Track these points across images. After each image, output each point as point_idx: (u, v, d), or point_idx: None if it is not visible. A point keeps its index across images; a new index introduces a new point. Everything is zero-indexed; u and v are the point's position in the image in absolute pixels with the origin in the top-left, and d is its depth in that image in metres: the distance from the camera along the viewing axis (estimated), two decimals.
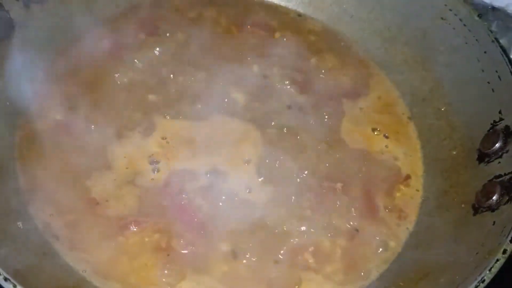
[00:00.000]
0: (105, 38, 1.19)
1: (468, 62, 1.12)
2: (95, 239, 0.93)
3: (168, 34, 1.22)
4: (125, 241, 0.94)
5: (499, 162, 0.97)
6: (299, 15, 1.36)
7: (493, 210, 0.91)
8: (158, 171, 1.01)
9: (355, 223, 1.02)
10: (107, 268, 0.91)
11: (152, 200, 0.98)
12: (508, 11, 1.45)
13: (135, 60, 1.16)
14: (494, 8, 1.45)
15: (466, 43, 1.13)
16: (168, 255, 0.94)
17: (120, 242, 0.94)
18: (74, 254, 0.92)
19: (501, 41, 1.32)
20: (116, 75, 1.13)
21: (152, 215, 0.97)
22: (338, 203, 1.04)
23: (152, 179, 1.00)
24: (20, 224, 0.90)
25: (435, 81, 1.19)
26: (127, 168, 1.01)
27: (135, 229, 0.95)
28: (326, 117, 1.14)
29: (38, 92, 1.09)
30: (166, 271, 0.92)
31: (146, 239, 0.95)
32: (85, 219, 0.95)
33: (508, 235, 0.81)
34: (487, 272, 0.78)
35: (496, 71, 1.05)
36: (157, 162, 1.02)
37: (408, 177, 1.11)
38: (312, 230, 1.00)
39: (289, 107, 1.16)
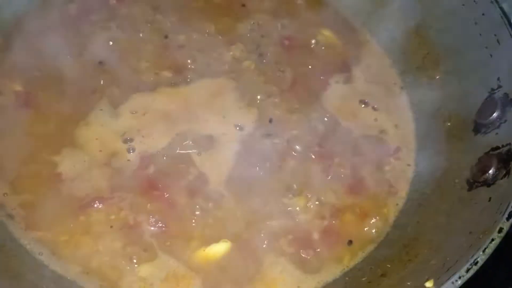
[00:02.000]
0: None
1: (465, 26, 1.02)
2: (54, 218, 0.86)
3: None
4: (88, 220, 0.87)
5: (497, 133, 0.89)
6: None
7: (488, 185, 0.83)
8: (133, 150, 0.93)
9: (341, 199, 0.95)
10: (66, 250, 0.84)
11: (123, 179, 0.90)
12: None
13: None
14: None
15: (463, 4, 1.03)
16: (136, 233, 0.86)
17: (82, 221, 0.86)
18: (30, 235, 0.84)
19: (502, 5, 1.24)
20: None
21: (119, 191, 0.89)
22: (323, 177, 0.96)
23: (128, 160, 0.92)
24: None
25: (430, 48, 1.10)
26: (100, 151, 0.92)
27: (99, 206, 0.88)
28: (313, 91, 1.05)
29: None
30: (133, 251, 0.84)
31: (112, 217, 0.87)
32: (45, 197, 0.88)
33: (505, 212, 0.74)
34: (481, 253, 0.70)
35: (495, 35, 0.96)
36: (132, 141, 0.94)
37: (398, 149, 1.03)
38: (297, 208, 0.93)
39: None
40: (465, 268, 0.68)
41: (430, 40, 1.10)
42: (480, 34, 0.99)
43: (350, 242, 0.91)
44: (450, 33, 1.06)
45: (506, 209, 0.74)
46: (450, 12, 1.06)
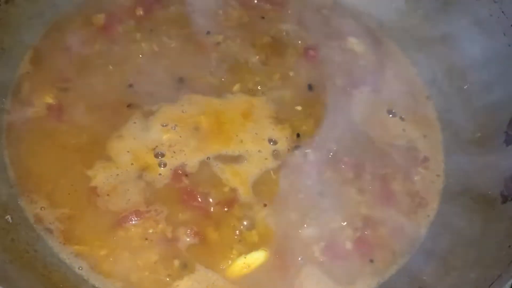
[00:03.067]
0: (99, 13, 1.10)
1: (493, 36, 1.03)
2: (93, 233, 0.87)
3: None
4: (126, 234, 0.87)
5: None
6: None
7: None
8: (165, 165, 0.93)
9: (373, 210, 0.95)
10: (106, 264, 0.84)
11: (157, 192, 0.91)
12: None
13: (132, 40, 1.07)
14: None
15: (491, 15, 1.04)
16: (174, 246, 0.86)
17: (121, 236, 0.87)
18: (69, 249, 0.85)
19: None
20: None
21: (154, 205, 0.90)
22: (354, 188, 0.97)
23: (160, 174, 0.93)
24: (9, 217, 0.83)
25: (456, 58, 1.10)
26: (132, 164, 0.93)
27: (137, 221, 0.88)
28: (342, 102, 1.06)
29: (27, 71, 1.01)
30: (172, 265, 0.85)
31: (150, 231, 0.87)
32: (82, 212, 0.88)
33: None
34: None
35: None
36: (163, 155, 0.94)
37: (426, 159, 1.04)
38: (326, 217, 0.93)
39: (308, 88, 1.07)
40: (509, 283, 0.69)
41: (457, 50, 1.10)
42: (509, 45, 1.00)
43: (383, 253, 0.92)
44: (477, 44, 1.06)
45: None
46: (478, 22, 1.06)
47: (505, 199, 0.88)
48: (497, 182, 0.91)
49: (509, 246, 0.77)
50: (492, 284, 0.71)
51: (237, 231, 0.89)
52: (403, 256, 0.92)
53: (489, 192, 0.91)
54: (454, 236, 0.91)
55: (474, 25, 1.07)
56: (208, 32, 1.13)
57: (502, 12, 1.02)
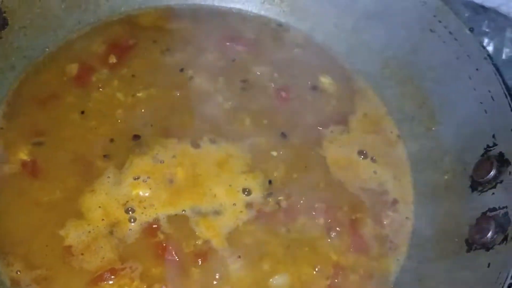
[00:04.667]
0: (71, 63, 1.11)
1: (459, 79, 1.05)
2: None
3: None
4: None
5: (493, 193, 0.92)
6: (280, 25, 1.28)
7: (487, 249, 0.87)
8: (134, 220, 0.95)
9: (343, 256, 0.98)
10: None
11: (129, 248, 0.93)
12: (500, 11, 1.38)
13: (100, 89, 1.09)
14: (485, 8, 1.38)
15: (457, 58, 1.06)
16: None
17: None
18: None
19: (492, 42, 1.28)
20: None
21: (129, 261, 0.92)
22: (325, 235, 0.99)
23: (130, 229, 0.94)
24: None
25: (425, 98, 1.13)
26: (103, 219, 0.94)
27: (112, 279, 0.90)
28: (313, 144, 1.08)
29: (1, 126, 1.03)
30: None
31: None
32: (58, 272, 0.90)
33: (504, 283, 0.77)
34: None
35: (489, 91, 0.99)
36: (133, 211, 0.96)
37: (395, 201, 1.06)
38: (298, 266, 0.96)
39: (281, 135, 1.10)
40: None
41: (426, 90, 1.12)
42: (475, 89, 1.03)
43: None
44: (444, 85, 1.09)
45: (505, 280, 0.77)
46: (444, 64, 1.09)
47: (470, 247, 0.90)
48: (463, 229, 0.93)
49: None
50: None
51: (212, 284, 0.91)
52: None
53: (456, 240, 0.94)
54: (421, 283, 0.93)
55: (441, 67, 1.09)
56: (181, 70, 1.14)
57: (467, 56, 1.04)
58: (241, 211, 0.99)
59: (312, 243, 0.99)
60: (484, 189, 0.94)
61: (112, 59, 1.14)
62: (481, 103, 1.00)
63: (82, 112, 1.07)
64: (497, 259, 0.83)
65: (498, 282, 0.78)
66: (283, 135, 1.10)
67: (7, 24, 1.04)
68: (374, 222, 1.03)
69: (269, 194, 1.02)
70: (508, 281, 0.77)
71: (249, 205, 1.00)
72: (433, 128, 1.10)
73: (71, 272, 0.90)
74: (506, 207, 0.88)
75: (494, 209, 0.90)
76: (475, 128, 1.01)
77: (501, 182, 0.92)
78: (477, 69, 1.02)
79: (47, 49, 1.12)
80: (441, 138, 1.08)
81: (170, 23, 1.22)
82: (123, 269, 0.91)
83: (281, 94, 1.15)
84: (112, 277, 0.89)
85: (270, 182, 1.03)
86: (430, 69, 1.12)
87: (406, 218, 1.05)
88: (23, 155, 1.00)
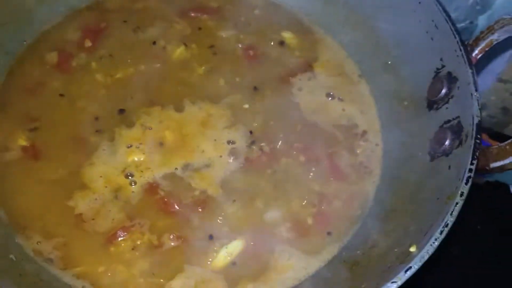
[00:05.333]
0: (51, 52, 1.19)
1: (406, 15, 1.16)
2: (88, 254, 0.98)
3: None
4: (117, 250, 0.98)
5: (447, 108, 1.04)
6: None
7: (447, 155, 0.99)
8: (135, 183, 1.04)
9: (326, 186, 1.09)
10: (105, 279, 0.96)
11: (136, 207, 1.02)
12: None
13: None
14: None
15: None
16: (162, 251, 0.99)
17: (113, 252, 0.98)
18: (70, 273, 0.96)
19: None
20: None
21: (136, 218, 1.02)
22: (307, 170, 1.11)
23: (132, 192, 1.04)
24: (12, 256, 0.93)
25: (379, 37, 1.24)
26: (106, 187, 1.04)
27: (125, 235, 1.00)
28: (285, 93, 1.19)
29: None
30: (162, 268, 0.97)
31: (138, 242, 0.99)
32: (74, 238, 0.99)
33: (463, 178, 0.89)
34: (449, 216, 0.86)
35: (432, 21, 1.10)
36: (132, 175, 1.05)
37: (364, 132, 1.18)
38: (287, 200, 1.07)
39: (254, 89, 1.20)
40: (438, 231, 0.84)
41: (378, 30, 1.23)
42: (420, 21, 1.13)
43: (340, 222, 1.07)
44: (394, 23, 1.20)
45: (463, 175, 0.90)
46: (392, 5, 1.19)
47: (432, 157, 1.03)
48: (424, 143, 1.06)
49: (438, 199, 0.92)
50: (426, 233, 0.86)
51: (214, 227, 1.02)
52: (357, 221, 1.07)
53: (420, 154, 1.06)
54: (396, 196, 1.06)
55: (388, 7, 1.20)
56: (154, 43, 1.23)
57: None
58: (228, 162, 1.10)
59: (296, 178, 1.10)
60: (439, 106, 1.07)
61: (88, 43, 1.21)
62: (427, 32, 1.12)
63: (68, 96, 1.15)
64: (456, 160, 0.96)
65: (458, 178, 0.90)
66: (256, 89, 1.20)
67: None
68: (349, 153, 1.14)
69: (252, 143, 1.12)
70: (466, 175, 0.89)
71: (235, 155, 1.11)
72: (389, 62, 1.22)
73: (87, 235, 0.99)
74: (458, 116, 1.00)
75: (448, 121, 1.03)
76: (425, 55, 1.12)
77: (452, 97, 1.04)
78: (419, 3, 1.13)
79: (25, 42, 1.19)
80: (397, 70, 1.20)
81: (136, 3, 1.30)
82: (133, 226, 1.01)
83: (249, 53, 1.25)
84: (125, 233, 0.99)
85: (251, 132, 1.14)
86: (379, 10, 1.23)
87: (376, 145, 1.17)
88: (22, 141, 1.08)
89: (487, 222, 1.38)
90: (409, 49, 1.18)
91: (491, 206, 1.40)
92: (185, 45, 1.23)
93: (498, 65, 1.42)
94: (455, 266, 1.29)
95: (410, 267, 0.81)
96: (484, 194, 1.39)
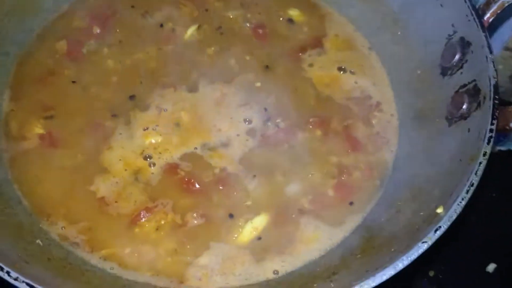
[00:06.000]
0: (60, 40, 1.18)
1: None
2: (114, 236, 0.98)
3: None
4: (142, 230, 0.99)
5: (461, 73, 1.05)
6: None
7: (465, 118, 0.99)
8: (154, 165, 1.05)
9: (344, 157, 1.10)
10: (133, 260, 0.96)
11: (157, 188, 1.03)
12: None
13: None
14: None
15: None
16: (186, 230, 0.99)
17: (138, 232, 0.98)
18: (97, 255, 0.96)
19: None
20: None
21: (159, 199, 1.02)
22: (325, 142, 1.11)
23: (152, 173, 1.04)
24: (39, 241, 0.93)
25: (386, 8, 1.24)
26: (126, 170, 1.04)
27: (148, 216, 1.00)
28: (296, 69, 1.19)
29: (11, 109, 1.10)
30: (188, 246, 0.97)
31: (162, 222, 0.99)
32: (99, 221, 0.99)
33: (485, 138, 0.90)
34: (474, 175, 0.86)
35: None
36: (151, 157, 1.05)
37: (379, 103, 1.19)
38: (306, 173, 1.07)
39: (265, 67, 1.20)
40: (464, 190, 0.85)
41: (385, 1, 1.24)
42: None
43: (362, 191, 1.07)
44: None
45: (485, 135, 0.90)
46: None
47: (450, 122, 1.03)
48: (441, 109, 1.06)
49: (460, 160, 0.93)
50: (451, 194, 0.87)
51: (237, 203, 1.03)
52: (378, 190, 1.07)
53: (437, 120, 1.06)
54: (416, 161, 1.06)
55: None
56: (161, 25, 1.22)
57: None
58: (247, 139, 1.10)
59: (314, 152, 1.10)
60: (453, 72, 1.07)
61: (96, 30, 1.21)
62: None
63: (81, 83, 1.14)
64: (475, 122, 0.96)
65: (479, 138, 0.91)
66: (267, 67, 1.20)
67: None
68: (364, 124, 1.15)
69: (268, 119, 1.13)
70: (488, 135, 0.89)
71: (252, 132, 1.11)
72: (399, 33, 1.22)
73: (111, 218, 0.99)
74: (474, 80, 1.00)
75: (464, 85, 1.03)
76: (435, 23, 1.13)
77: (466, 61, 1.04)
78: None
79: (34, 32, 1.18)
80: (407, 39, 1.20)
81: None
82: (156, 206, 1.01)
83: (258, 32, 1.25)
84: (148, 214, 1.00)
85: (265, 109, 1.14)
86: None
87: (391, 115, 1.17)
88: (38, 130, 1.08)
89: (501, 190, 1.38)
90: (418, 17, 1.18)
91: (505, 174, 1.40)
92: (199, 26, 1.22)
93: (505, 33, 1.42)
94: (472, 235, 1.30)
95: (440, 227, 0.81)
96: (497, 163, 1.40)
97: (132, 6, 1.25)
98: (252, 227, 1.00)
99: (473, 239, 1.29)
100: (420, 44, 1.17)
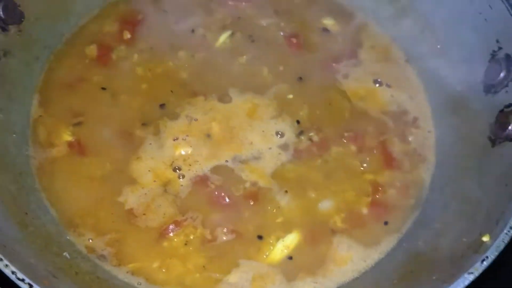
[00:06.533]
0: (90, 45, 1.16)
1: None
2: (142, 250, 0.96)
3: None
4: (171, 244, 0.96)
5: (506, 91, 1.00)
6: None
7: (511, 140, 0.95)
8: (183, 177, 1.02)
9: (379, 175, 1.06)
10: (161, 275, 0.94)
11: (186, 201, 1.00)
12: None
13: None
14: None
15: None
16: (216, 246, 0.96)
17: (166, 247, 0.96)
18: (124, 269, 0.94)
19: None
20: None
21: (188, 212, 0.99)
22: (359, 158, 1.07)
23: (181, 185, 1.01)
24: (66, 254, 0.91)
25: (426, 20, 1.19)
26: (154, 181, 1.01)
27: (177, 230, 0.97)
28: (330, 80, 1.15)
29: (39, 115, 1.08)
30: (217, 263, 0.94)
31: (191, 237, 0.97)
32: (127, 234, 0.97)
33: None
34: None
35: (486, 0, 1.06)
36: (180, 169, 1.02)
37: (415, 118, 1.14)
38: (340, 189, 1.04)
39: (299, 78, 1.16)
40: None
41: (425, 12, 1.19)
42: (471, 2, 1.09)
43: (397, 211, 1.03)
44: (443, 4, 1.15)
45: None
46: None
47: (493, 142, 0.99)
48: (483, 129, 1.01)
49: (506, 185, 0.88)
50: (498, 221, 0.83)
51: (268, 220, 0.99)
52: (415, 210, 1.03)
53: (479, 139, 1.02)
54: (455, 182, 1.02)
55: None
56: (193, 31, 1.19)
57: None
58: (279, 153, 1.06)
59: (348, 167, 1.07)
60: (498, 90, 1.02)
61: (127, 35, 1.18)
62: (480, 13, 1.07)
63: (110, 89, 1.12)
64: None
65: None
66: (300, 78, 1.16)
67: (23, 17, 1.08)
68: (400, 140, 1.11)
69: (300, 133, 1.09)
70: None
71: (284, 146, 1.07)
72: (438, 46, 1.17)
73: (139, 231, 0.97)
74: None
75: (510, 105, 0.98)
76: (479, 38, 1.08)
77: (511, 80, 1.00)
78: None
79: (64, 36, 1.16)
80: (447, 54, 1.15)
81: None
82: (185, 220, 0.98)
83: (291, 41, 1.22)
84: (177, 228, 0.97)
85: (298, 122, 1.11)
86: None
87: (429, 131, 1.13)
88: (67, 137, 1.06)
89: None
90: (460, 32, 1.13)
91: None
92: (232, 33, 1.19)
93: None
94: None
95: (487, 257, 0.77)
96: None
97: (164, 11, 1.22)
98: (284, 245, 0.97)
99: None
100: (462, 60, 1.12)
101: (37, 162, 1.03)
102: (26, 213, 0.93)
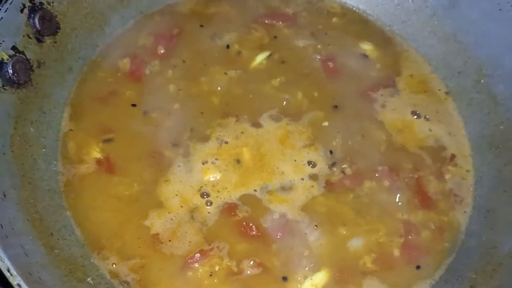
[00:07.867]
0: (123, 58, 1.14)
1: (505, 28, 1.07)
2: (166, 277, 0.94)
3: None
4: (195, 274, 0.94)
5: None
6: None
7: None
8: (211, 203, 0.99)
9: (412, 215, 1.02)
10: None
11: (213, 229, 0.97)
12: None
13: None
14: None
15: (500, 9, 1.08)
16: (241, 279, 0.94)
17: (191, 277, 0.94)
18: None
19: None
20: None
21: (215, 242, 0.97)
22: (391, 195, 1.04)
23: (209, 212, 0.99)
24: (90, 280, 0.89)
25: (469, 52, 1.15)
26: (182, 206, 0.99)
27: (203, 260, 0.95)
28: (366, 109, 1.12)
29: (70, 128, 1.06)
30: None
31: (216, 268, 0.94)
32: (151, 260, 0.95)
33: None
34: None
35: None
36: (208, 195, 1.00)
37: (453, 156, 1.10)
38: (371, 228, 1.00)
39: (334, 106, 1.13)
40: None
41: (469, 44, 1.15)
42: None
43: (430, 255, 0.99)
44: (490, 36, 1.11)
45: None
46: (488, 16, 1.10)
47: None
48: None
49: None
50: None
51: (296, 255, 0.96)
52: (449, 255, 0.99)
53: None
54: (495, 229, 0.98)
55: (484, 16, 1.11)
56: (228, 46, 1.17)
57: (510, 4, 1.06)
58: (312, 185, 1.03)
59: (381, 204, 1.03)
60: None
61: (161, 50, 1.16)
62: None
63: (141, 106, 1.10)
64: None
65: None
66: (336, 106, 1.13)
67: (59, 28, 1.06)
68: (437, 178, 1.07)
69: (333, 164, 1.06)
70: None
71: (316, 177, 1.04)
72: (482, 81, 1.13)
73: (164, 258, 0.95)
74: None
75: None
76: None
77: None
78: None
79: (97, 48, 1.14)
80: (491, 89, 1.11)
81: (208, 8, 1.24)
82: (211, 250, 0.96)
83: (328, 65, 1.18)
84: (203, 258, 0.94)
85: (331, 152, 1.07)
86: (471, 23, 1.14)
87: (467, 171, 1.09)
88: (96, 153, 1.04)
89: None
90: (506, 67, 1.09)
91: None
92: (270, 54, 1.16)
93: None
94: None
95: None
96: None
97: (201, 26, 1.19)
98: (312, 284, 0.94)
99: None
100: (506, 96, 1.08)
101: (65, 178, 1.01)
102: (52, 234, 0.92)
